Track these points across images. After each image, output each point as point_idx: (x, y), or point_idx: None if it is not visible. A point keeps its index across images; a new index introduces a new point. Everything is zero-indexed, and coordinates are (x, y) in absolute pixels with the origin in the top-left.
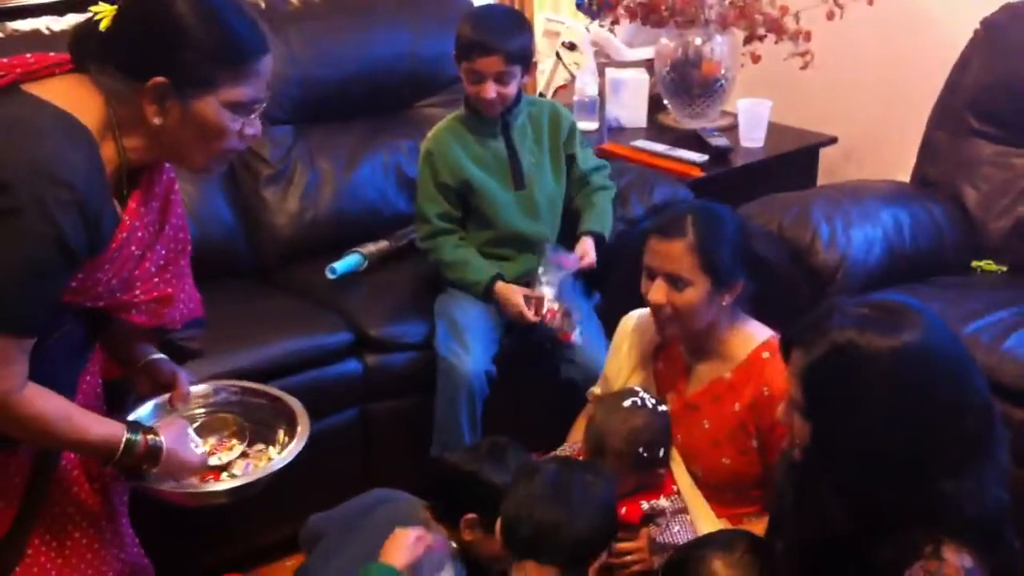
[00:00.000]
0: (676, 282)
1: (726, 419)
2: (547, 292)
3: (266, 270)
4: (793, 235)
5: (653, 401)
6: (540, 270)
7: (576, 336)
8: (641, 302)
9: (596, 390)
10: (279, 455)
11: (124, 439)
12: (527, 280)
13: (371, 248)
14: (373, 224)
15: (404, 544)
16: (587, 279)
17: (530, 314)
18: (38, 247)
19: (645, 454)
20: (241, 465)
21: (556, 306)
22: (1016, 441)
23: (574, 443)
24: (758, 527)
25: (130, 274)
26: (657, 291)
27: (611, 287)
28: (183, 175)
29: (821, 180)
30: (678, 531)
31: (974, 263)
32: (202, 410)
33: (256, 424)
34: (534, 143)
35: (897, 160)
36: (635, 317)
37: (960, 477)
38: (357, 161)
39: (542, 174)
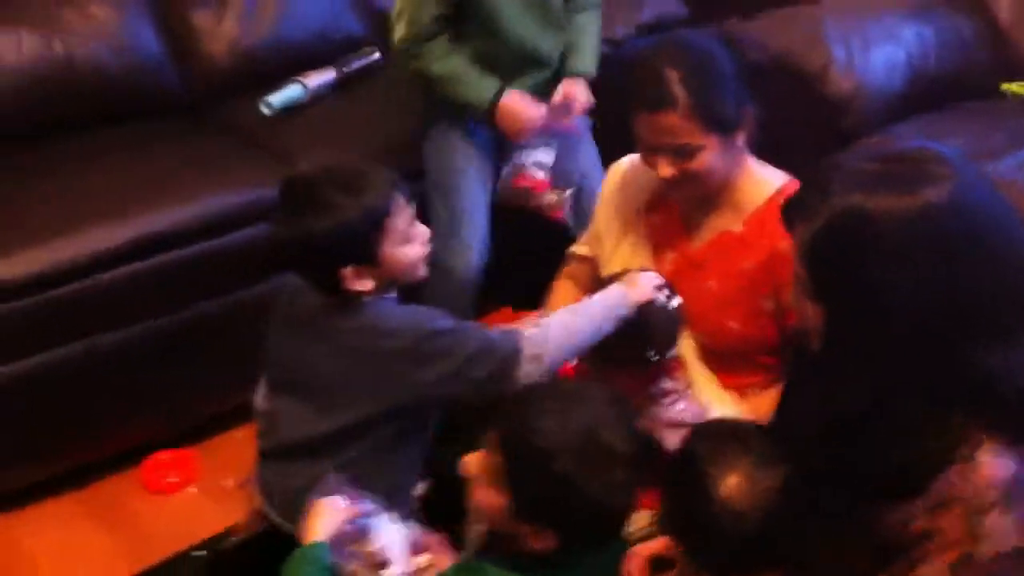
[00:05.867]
0: (683, 153)
1: (735, 278)
2: (541, 161)
3: (198, 107)
4: (802, 60)
5: (666, 293)
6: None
7: (567, 214)
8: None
9: (581, 249)
10: None
11: None
12: None
13: (313, 78)
14: (321, 51)
15: (324, 513)
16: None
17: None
18: None
19: (656, 357)
20: None
21: (548, 178)
22: None
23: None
24: (765, 399)
25: None
26: (664, 167)
27: (601, 116)
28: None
29: None
30: (682, 408)
31: (1003, 86)
32: None
33: None
34: None
35: None
36: (625, 164)
37: (1008, 349)
38: None
39: None
